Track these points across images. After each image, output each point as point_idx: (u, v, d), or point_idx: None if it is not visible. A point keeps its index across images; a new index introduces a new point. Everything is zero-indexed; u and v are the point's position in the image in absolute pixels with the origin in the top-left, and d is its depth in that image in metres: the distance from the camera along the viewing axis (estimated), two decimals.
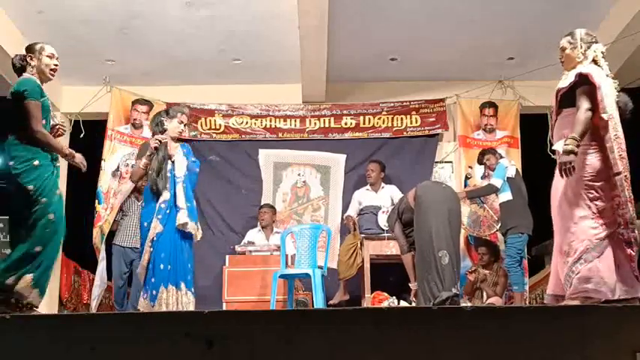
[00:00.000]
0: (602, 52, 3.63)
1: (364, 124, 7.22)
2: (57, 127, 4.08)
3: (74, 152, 3.99)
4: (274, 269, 5.66)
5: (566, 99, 3.57)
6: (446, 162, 7.25)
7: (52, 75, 3.97)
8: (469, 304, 5.41)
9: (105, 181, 6.85)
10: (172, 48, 6.49)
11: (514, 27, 6.24)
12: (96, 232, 6.66)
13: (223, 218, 7.00)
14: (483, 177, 6.83)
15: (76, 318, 2.66)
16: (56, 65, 3.98)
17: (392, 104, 7.22)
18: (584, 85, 3.46)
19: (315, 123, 7.25)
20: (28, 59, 3.90)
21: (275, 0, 5.78)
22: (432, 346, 2.28)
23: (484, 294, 6.09)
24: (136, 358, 2.25)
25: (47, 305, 6.78)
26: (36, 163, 3.72)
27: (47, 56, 3.93)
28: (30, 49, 3.94)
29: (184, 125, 4.99)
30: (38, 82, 3.86)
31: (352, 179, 7.11)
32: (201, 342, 2.21)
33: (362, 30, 6.27)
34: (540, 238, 8.35)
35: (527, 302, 6.17)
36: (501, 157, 6.12)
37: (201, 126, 7.18)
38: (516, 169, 5.97)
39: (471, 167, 7.03)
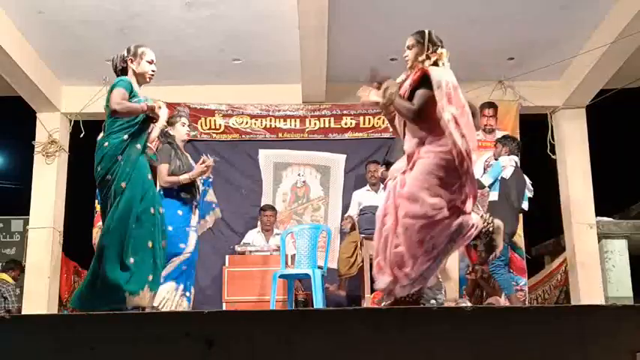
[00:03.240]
0: (445, 56, 3.61)
1: (364, 124, 7.22)
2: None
3: (152, 105, 3.88)
4: (274, 269, 5.67)
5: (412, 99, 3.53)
6: None
7: (150, 80, 4.00)
8: (469, 304, 5.41)
9: None
10: (172, 48, 6.49)
11: (514, 27, 6.24)
12: (96, 232, 6.63)
13: (223, 218, 6.98)
14: (481, 177, 6.81)
15: (76, 318, 2.66)
16: (154, 71, 3.99)
17: None
18: (424, 86, 3.46)
19: (315, 123, 7.25)
20: (129, 62, 3.92)
21: (275, 0, 5.78)
22: (432, 346, 2.28)
23: (483, 292, 6.09)
24: (136, 358, 2.25)
25: (47, 305, 6.79)
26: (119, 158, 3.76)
27: (147, 62, 3.96)
28: (132, 52, 3.94)
29: (187, 126, 5.16)
30: (133, 82, 3.88)
31: (352, 179, 7.10)
32: (201, 342, 2.21)
33: (362, 30, 6.27)
34: (540, 238, 8.36)
35: (526, 302, 6.17)
36: (512, 153, 5.94)
37: (201, 126, 7.18)
38: (514, 172, 5.81)
39: None
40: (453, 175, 3.40)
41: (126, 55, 3.96)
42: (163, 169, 4.78)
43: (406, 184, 3.47)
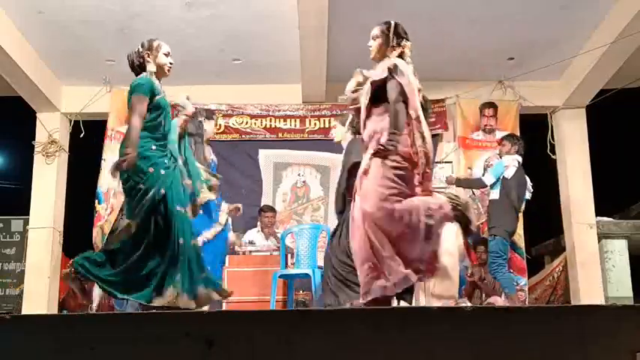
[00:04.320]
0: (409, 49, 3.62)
1: None
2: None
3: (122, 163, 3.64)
4: (274, 269, 5.66)
5: (380, 93, 3.53)
6: (446, 162, 7.24)
7: (169, 73, 3.92)
8: (469, 304, 5.41)
9: (105, 181, 6.85)
10: (172, 48, 6.38)
11: (514, 27, 6.24)
12: (96, 231, 6.66)
13: None
14: (482, 176, 6.81)
15: (76, 318, 2.66)
16: (171, 64, 3.92)
17: None
18: (394, 78, 3.45)
19: (315, 123, 7.25)
20: (145, 56, 3.82)
21: (275, 0, 5.78)
22: (432, 346, 2.28)
23: (482, 294, 6.08)
24: (136, 358, 2.25)
25: (47, 305, 6.79)
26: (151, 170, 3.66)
27: (164, 54, 3.89)
28: (146, 46, 3.86)
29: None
30: (152, 79, 3.79)
31: None
32: (201, 342, 2.21)
33: (362, 30, 6.24)
34: (540, 238, 8.35)
35: (526, 302, 6.17)
36: (518, 152, 5.94)
37: None
38: (516, 172, 5.81)
39: (470, 168, 7.02)
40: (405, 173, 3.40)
41: (141, 49, 3.84)
42: None
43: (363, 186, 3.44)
